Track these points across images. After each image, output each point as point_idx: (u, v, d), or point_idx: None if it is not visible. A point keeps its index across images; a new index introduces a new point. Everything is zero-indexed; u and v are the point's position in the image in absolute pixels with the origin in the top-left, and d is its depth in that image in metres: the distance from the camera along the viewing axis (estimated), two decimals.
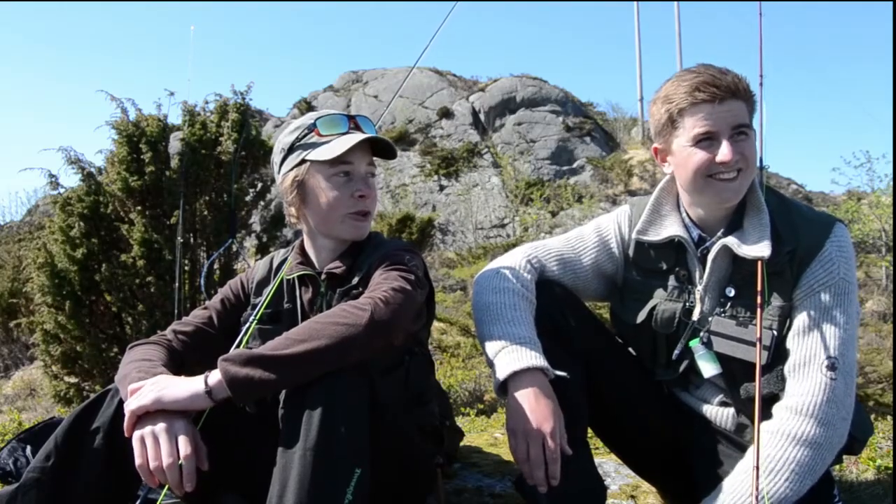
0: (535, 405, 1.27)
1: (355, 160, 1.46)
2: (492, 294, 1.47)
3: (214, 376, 1.16)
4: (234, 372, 1.14)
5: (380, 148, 1.51)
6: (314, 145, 1.46)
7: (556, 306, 1.49)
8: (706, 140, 1.35)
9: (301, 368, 1.15)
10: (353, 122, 1.49)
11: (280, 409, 1.18)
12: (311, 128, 1.48)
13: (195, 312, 1.59)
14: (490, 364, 1.39)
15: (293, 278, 1.53)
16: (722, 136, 1.33)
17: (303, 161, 1.47)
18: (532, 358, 1.32)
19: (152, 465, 1.12)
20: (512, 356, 1.33)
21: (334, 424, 1.13)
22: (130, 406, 1.16)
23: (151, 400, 1.15)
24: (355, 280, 1.45)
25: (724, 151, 1.33)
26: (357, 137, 1.43)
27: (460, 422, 2.87)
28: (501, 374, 1.32)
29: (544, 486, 1.26)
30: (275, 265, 1.62)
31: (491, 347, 1.39)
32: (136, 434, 1.14)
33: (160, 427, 1.14)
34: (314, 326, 1.19)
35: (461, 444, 2.04)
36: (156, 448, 1.12)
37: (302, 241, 1.59)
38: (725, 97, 1.32)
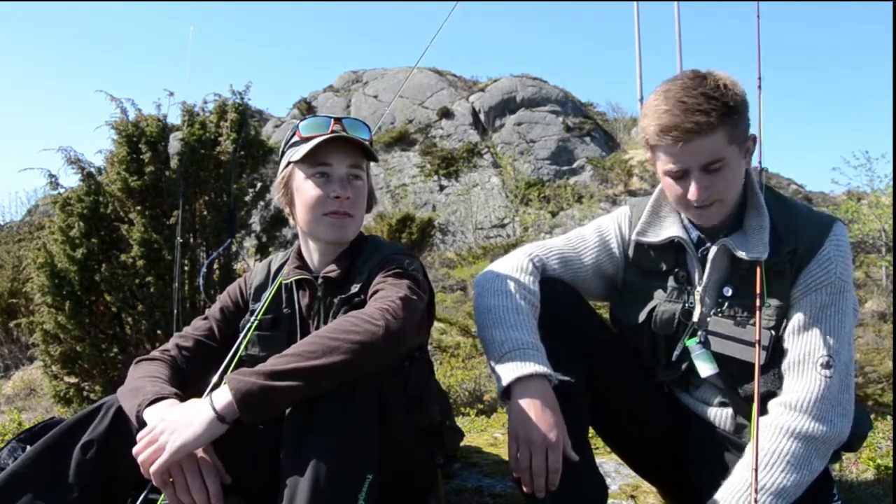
0: (540, 414, 1.25)
1: (334, 161, 1.44)
2: (494, 297, 1.45)
3: (222, 398, 1.13)
4: (248, 386, 1.11)
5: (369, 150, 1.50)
6: (296, 146, 1.47)
7: (559, 303, 1.48)
8: (677, 175, 1.35)
9: (316, 383, 1.13)
10: (339, 125, 1.46)
11: (290, 414, 1.17)
12: (294, 129, 1.50)
13: (196, 323, 1.58)
14: (493, 369, 1.37)
15: (291, 283, 1.52)
16: (692, 172, 1.33)
17: (289, 163, 1.48)
18: (536, 364, 1.30)
19: (184, 501, 1.14)
20: (515, 362, 1.32)
21: (348, 431, 1.13)
22: (154, 467, 1.12)
23: (172, 451, 1.12)
24: (355, 287, 1.43)
25: (692, 191, 1.33)
26: (328, 136, 1.42)
27: (460, 422, 2.87)
28: (505, 380, 1.31)
29: (542, 493, 1.25)
30: (272, 269, 1.60)
31: (493, 352, 1.37)
32: (160, 478, 1.15)
33: (185, 463, 1.15)
34: (328, 343, 1.15)
35: (461, 444, 2.04)
36: (183, 481, 1.14)
37: (299, 244, 1.59)
38: (690, 139, 1.29)
